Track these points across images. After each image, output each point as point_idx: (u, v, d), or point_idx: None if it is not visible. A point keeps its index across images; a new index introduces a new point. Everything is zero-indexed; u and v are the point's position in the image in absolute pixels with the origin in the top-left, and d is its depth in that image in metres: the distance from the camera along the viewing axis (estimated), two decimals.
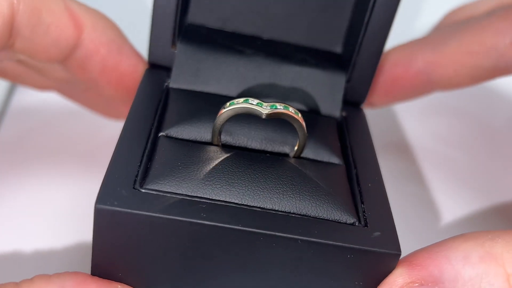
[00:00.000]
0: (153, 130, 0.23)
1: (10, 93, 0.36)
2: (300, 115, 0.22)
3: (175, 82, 0.26)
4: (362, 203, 0.21)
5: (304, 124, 0.22)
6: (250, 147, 0.23)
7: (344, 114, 0.27)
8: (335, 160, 0.24)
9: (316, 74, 0.26)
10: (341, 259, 0.19)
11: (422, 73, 0.29)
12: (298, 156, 0.23)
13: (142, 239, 0.19)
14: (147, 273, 0.20)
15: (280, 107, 0.21)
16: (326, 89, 0.26)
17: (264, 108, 0.21)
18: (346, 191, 0.22)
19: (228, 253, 0.19)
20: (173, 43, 0.26)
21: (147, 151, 0.21)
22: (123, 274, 0.20)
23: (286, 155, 0.23)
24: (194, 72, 0.26)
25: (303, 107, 0.26)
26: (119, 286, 0.20)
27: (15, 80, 0.31)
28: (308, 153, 0.23)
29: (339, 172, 0.23)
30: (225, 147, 0.23)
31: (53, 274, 0.20)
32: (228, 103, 0.21)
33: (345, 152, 0.24)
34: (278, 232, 0.18)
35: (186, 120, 0.23)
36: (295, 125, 0.22)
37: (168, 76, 0.26)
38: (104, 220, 0.18)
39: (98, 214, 0.18)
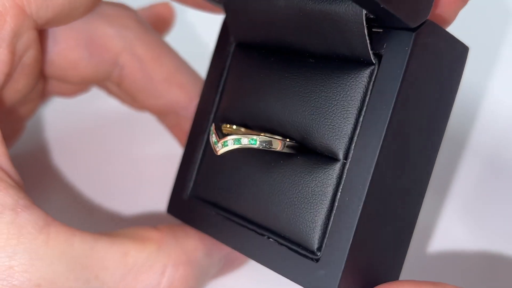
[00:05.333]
0: (211, 118, 0.25)
1: None
2: (258, 140, 0.21)
3: (233, 35, 0.25)
4: (329, 224, 0.20)
5: (258, 144, 0.21)
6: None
7: (382, 52, 0.19)
8: (334, 152, 0.20)
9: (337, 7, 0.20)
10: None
11: None
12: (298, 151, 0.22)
13: None
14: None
15: (230, 143, 0.21)
16: (350, 24, 0.19)
17: (217, 148, 0.22)
18: (323, 205, 0.20)
19: None
20: None
21: (202, 148, 0.25)
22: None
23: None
24: (241, 21, 0.24)
25: (335, 53, 0.21)
26: None
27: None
28: (313, 143, 0.21)
29: (328, 176, 0.20)
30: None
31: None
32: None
33: (353, 134, 0.20)
34: (249, 257, 0.23)
35: (234, 105, 0.24)
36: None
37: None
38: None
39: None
